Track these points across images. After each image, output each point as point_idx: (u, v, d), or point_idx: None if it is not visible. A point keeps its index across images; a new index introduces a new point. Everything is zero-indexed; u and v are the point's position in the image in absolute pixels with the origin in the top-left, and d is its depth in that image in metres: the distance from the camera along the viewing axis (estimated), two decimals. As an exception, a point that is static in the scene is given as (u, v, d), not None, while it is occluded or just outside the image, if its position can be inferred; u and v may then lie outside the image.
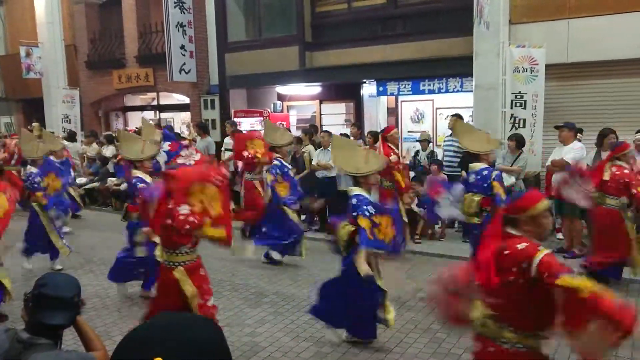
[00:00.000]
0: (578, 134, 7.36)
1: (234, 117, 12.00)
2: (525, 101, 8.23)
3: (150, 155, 5.72)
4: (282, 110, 12.72)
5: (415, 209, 8.17)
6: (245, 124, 11.70)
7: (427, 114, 11.02)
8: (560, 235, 7.70)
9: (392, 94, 10.88)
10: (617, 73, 8.34)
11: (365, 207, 4.26)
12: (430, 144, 9.45)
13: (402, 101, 11.26)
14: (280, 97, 12.95)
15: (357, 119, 11.43)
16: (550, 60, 8.21)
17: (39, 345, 2.32)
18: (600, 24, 8.10)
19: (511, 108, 8.28)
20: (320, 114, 12.49)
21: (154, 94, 15.05)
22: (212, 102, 12.67)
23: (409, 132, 11.13)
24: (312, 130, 9.86)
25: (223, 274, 6.82)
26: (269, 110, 12.22)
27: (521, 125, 8.26)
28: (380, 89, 10.74)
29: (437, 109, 10.83)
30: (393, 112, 11.62)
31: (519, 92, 8.23)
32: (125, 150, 5.89)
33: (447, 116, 9.74)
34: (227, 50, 12.36)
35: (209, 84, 12.86)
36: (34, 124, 14.38)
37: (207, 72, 12.85)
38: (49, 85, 14.59)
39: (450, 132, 8.65)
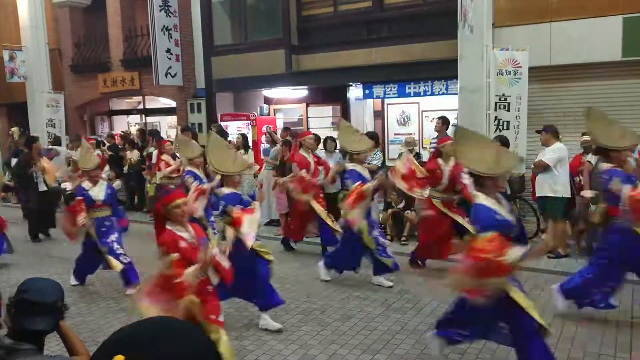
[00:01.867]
0: (560, 135, 7.44)
1: (221, 121, 11.99)
2: (509, 103, 8.33)
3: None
4: (268, 114, 12.73)
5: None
6: (232, 128, 11.69)
7: (413, 117, 11.09)
8: (544, 236, 7.78)
9: (378, 97, 10.93)
10: (598, 75, 8.46)
11: None
12: (416, 147, 9.50)
13: (388, 104, 11.32)
14: (267, 101, 12.95)
15: (344, 122, 11.45)
16: (533, 63, 8.32)
17: (21, 350, 2.30)
18: (582, 27, 8.23)
19: (495, 110, 8.37)
20: (307, 117, 12.52)
21: (139, 98, 14.97)
22: (198, 106, 12.64)
23: (395, 134, 11.20)
24: (296, 134, 9.86)
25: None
26: (256, 114, 12.22)
27: (505, 128, 8.36)
28: (367, 92, 10.79)
29: (422, 111, 10.89)
30: (379, 114, 11.67)
31: (503, 95, 8.32)
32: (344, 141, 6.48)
33: (433, 118, 9.80)
34: (213, 53, 12.34)
35: (195, 88, 12.83)
36: (13, 129, 14.27)
37: (194, 76, 12.82)
38: (33, 90, 14.44)
39: (436, 134, 8.72)
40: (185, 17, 12.56)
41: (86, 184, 6.37)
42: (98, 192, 6.30)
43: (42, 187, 9.30)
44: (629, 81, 8.27)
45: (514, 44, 8.39)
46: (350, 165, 6.40)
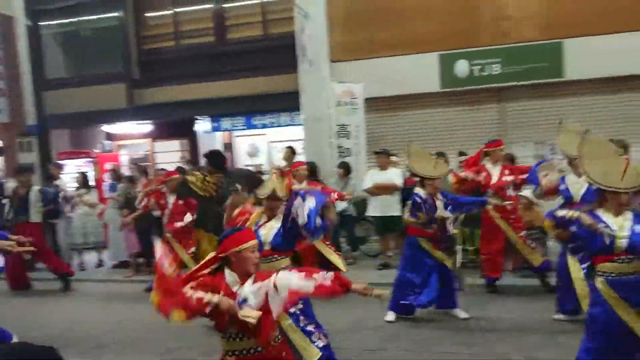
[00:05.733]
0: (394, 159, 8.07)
1: (58, 159, 11.08)
2: (349, 132, 8.95)
3: None
4: (111, 150, 12.09)
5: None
6: (71, 167, 10.86)
7: (262, 148, 11.34)
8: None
9: (226, 130, 11.01)
10: (422, 105, 9.48)
11: None
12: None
13: (236, 136, 11.45)
14: (110, 137, 12.31)
15: (193, 156, 11.32)
16: (367, 95, 9.06)
17: None
18: (405, 63, 9.17)
19: (337, 139, 8.94)
20: (154, 152, 12.13)
21: (-43, 138, 13.25)
22: (29, 144, 11.58)
23: (245, 166, 11.32)
24: (145, 169, 9.50)
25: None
26: (98, 151, 11.53)
27: (347, 154, 8.94)
28: (215, 124, 10.82)
29: (270, 142, 11.20)
30: (229, 147, 11.74)
31: (343, 124, 8.92)
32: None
33: (282, 149, 10.12)
34: (45, 87, 11.45)
35: (25, 125, 11.74)
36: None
37: (23, 112, 11.73)
38: None
39: (285, 163, 9.00)
40: (10, 48, 11.53)
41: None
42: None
43: None
44: (448, 109, 9.40)
45: (350, 77, 9.06)
46: None
